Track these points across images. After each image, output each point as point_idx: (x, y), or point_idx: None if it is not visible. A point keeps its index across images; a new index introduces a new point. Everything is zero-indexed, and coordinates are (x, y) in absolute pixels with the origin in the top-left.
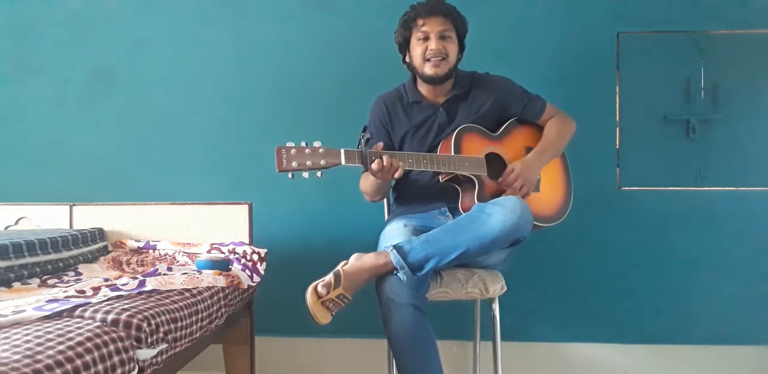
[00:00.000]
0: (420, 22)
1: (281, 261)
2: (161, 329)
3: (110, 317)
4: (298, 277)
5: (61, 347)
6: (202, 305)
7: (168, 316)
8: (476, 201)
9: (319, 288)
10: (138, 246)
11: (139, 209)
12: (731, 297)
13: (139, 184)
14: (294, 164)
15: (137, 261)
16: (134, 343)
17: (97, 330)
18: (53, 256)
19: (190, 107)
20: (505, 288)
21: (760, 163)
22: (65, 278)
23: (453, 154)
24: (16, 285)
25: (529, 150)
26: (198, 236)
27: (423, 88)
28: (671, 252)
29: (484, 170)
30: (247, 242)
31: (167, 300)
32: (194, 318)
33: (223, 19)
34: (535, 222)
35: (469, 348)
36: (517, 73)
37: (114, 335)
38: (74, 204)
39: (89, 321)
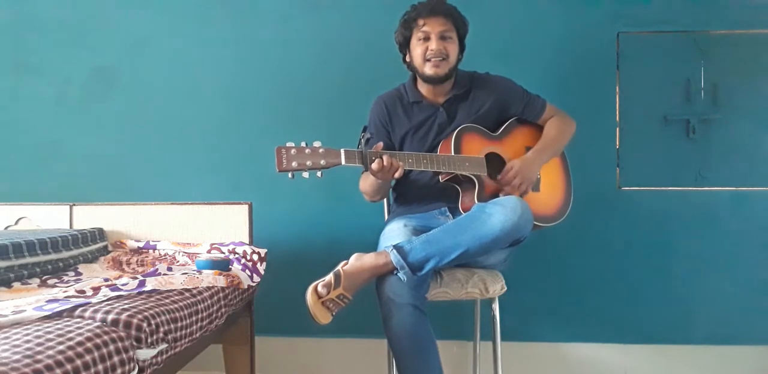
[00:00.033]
0: (421, 22)
1: (281, 261)
2: (161, 329)
3: (110, 317)
4: (298, 277)
5: (61, 347)
6: (202, 305)
7: (168, 316)
8: (476, 201)
9: (320, 288)
10: (138, 246)
11: (139, 209)
12: (731, 297)
13: (139, 184)
14: (294, 164)
15: (137, 261)
16: (134, 343)
17: (97, 330)
18: (53, 256)
19: (190, 107)
20: (505, 288)
21: (760, 163)
22: (65, 278)
23: (453, 153)
24: (16, 285)
25: (529, 150)
26: (198, 236)
27: (423, 88)
28: (671, 252)
29: (484, 170)
30: (247, 242)
31: (167, 300)
32: (194, 318)
33: (223, 19)
34: (535, 222)
35: (469, 348)
36: (517, 73)
37: (114, 335)
38: (74, 204)
39: (89, 321)
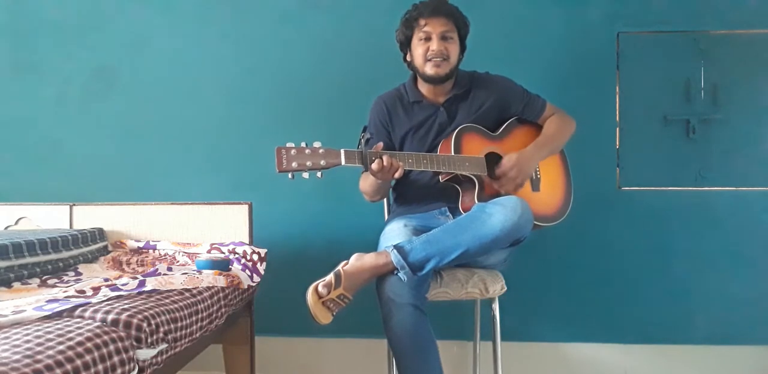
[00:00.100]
0: (422, 22)
1: (281, 261)
2: (161, 329)
3: (110, 317)
4: (298, 277)
5: (61, 347)
6: (202, 305)
7: (168, 316)
8: (476, 201)
9: (320, 288)
10: (138, 246)
11: (139, 209)
12: (731, 297)
13: (139, 184)
14: (294, 164)
15: (137, 261)
16: (134, 343)
17: (97, 330)
18: (53, 256)
19: (190, 107)
20: (505, 288)
21: (760, 163)
22: (65, 278)
23: (453, 153)
24: (16, 285)
25: None
26: (198, 236)
27: (423, 88)
28: (671, 252)
29: (484, 170)
30: (247, 242)
31: (167, 300)
32: (194, 318)
33: (223, 19)
34: (536, 222)
35: (469, 348)
36: (517, 73)
37: (114, 335)
38: (74, 204)
39: (89, 321)
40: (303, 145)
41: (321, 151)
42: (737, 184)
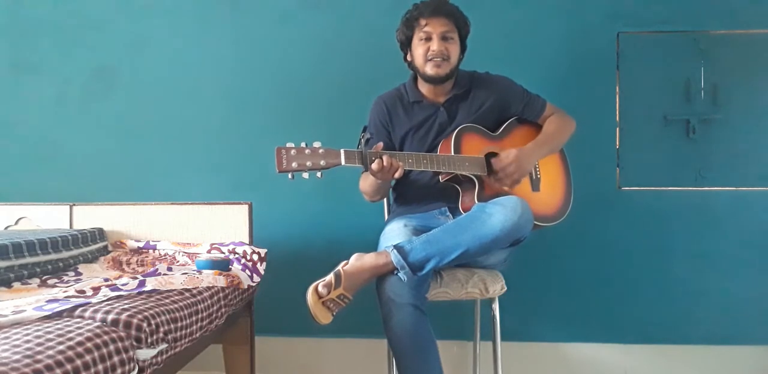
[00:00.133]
0: (423, 22)
1: (281, 261)
2: (161, 329)
3: (110, 317)
4: (298, 277)
5: (61, 347)
6: (202, 305)
7: (168, 316)
8: (476, 201)
9: (320, 288)
10: (138, 246)
11: (139, 209)
12: (731, 297)
13: (139, 184)
14: (294, 165)
15: (137, 261)
16: (134, 343)
17: (97, 330)
18: (53, 256)
19: (190, 107)
20: (505, 288)
21: (760, 163)
22: (65, 278)
23: (453, 153)
24: (16, 285)
25: None
26: (198, 236)
27: (424, 88)
28: (671, 252)
29: (483, 170)
30: (247, 242)
31: (167, 300)
32: (194, 318)
33: (223, 19)
34: (535, 222)
35: (469, 348)
36: (517, 73)
37: (114, 335)
38: (74, 204)
39: (89, 321)
40: (303, 145)
41: (321, 151)
42: (737, 184)
